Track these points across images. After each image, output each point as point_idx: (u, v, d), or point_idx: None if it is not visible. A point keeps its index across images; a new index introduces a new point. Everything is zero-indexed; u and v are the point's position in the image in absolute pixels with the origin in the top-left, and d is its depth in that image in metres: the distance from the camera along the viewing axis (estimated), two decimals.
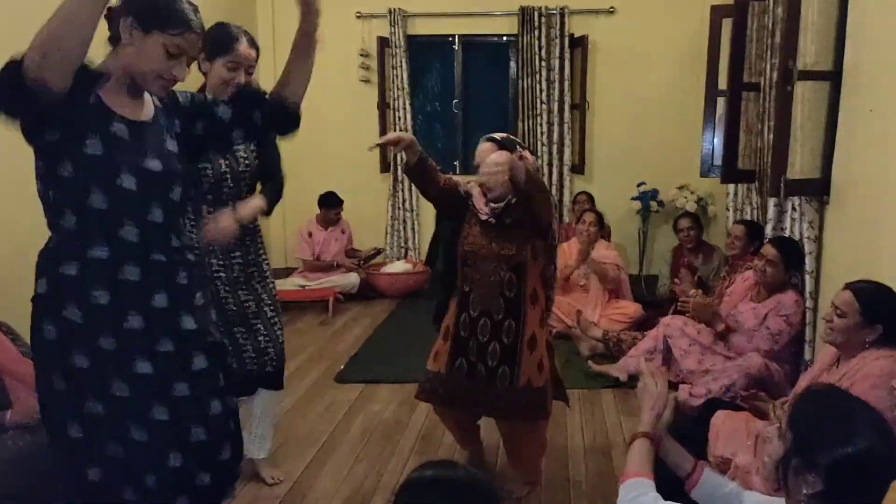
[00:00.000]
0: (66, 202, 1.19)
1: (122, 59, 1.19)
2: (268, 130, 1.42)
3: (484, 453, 2.18)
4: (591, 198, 4.22)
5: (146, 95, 1.26)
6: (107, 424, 1.24)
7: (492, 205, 1.84)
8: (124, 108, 1.21)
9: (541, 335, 1.88)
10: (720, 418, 1.85)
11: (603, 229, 3.74)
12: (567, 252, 3.69)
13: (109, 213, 1.19)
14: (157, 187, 1.24)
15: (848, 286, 1.62)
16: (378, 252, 4.51)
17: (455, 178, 1.96)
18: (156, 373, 1.26)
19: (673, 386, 2.61)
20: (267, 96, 1.37)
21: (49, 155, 1.17)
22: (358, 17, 4.52)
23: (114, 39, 1.20)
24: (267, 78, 5.62)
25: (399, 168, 4.61)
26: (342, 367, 3.08)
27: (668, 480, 1.17)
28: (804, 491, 0.94)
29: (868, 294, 1.58)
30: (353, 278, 4.20)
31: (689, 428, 1.83)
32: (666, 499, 1.07)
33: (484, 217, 1.85)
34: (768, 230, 2.73)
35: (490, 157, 1.76)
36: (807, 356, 2.37)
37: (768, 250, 2.44)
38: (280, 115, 1.36)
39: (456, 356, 1.87)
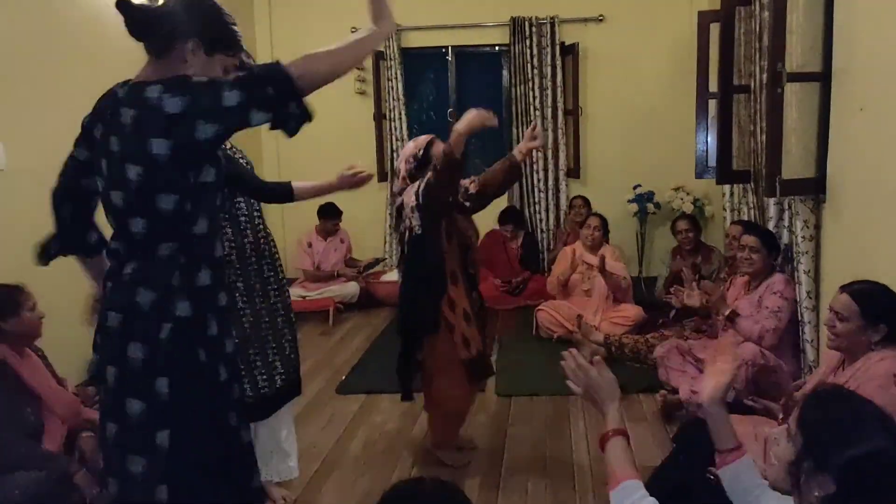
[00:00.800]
0: (202, 208, 1.16)
1: (176, 73, 1.15)
2: None
3: None
4: (586, 201, 4.24)
5: None
6: (236, 434, 1.27)
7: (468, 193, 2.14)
8: None
9: None
10: None
11: (608, 233, 3.75)
12: (570, 255, 3.69)
13: (219, 210, 1.25)
14: None
15: (843, 289, 1.61)
16: (378, 261, 4.52)
17: None
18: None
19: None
20: None
21: (198, 164, 1.14)
22: (353, 31, 4.54)
23: (159, 50, 1.16)
24: None
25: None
26: (343, 377, 3.08)
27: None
28: (816, 493, 0.93)
29: (866, 295, 1.57)
30: (352, 288, 4.21)
31: (697, 433, 1.82)
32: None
33: (468, 205, 2.15)
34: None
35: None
36: (809, 357, 2.36)
37: (747, 240, 2.53)
38: None
39: (481, 330, 2.13)
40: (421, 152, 2.08)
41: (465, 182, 2.15)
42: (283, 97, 1.09)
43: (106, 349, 1.17)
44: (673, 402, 2.52)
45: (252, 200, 1.82)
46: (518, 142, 4.57)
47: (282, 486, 2.02)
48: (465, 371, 2.05)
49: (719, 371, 1.22)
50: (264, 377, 1.81)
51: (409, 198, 2.03)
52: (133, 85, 1.15)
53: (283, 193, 1.90)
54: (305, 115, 1.14)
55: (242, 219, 1.77)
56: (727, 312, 2.49)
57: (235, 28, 1.23)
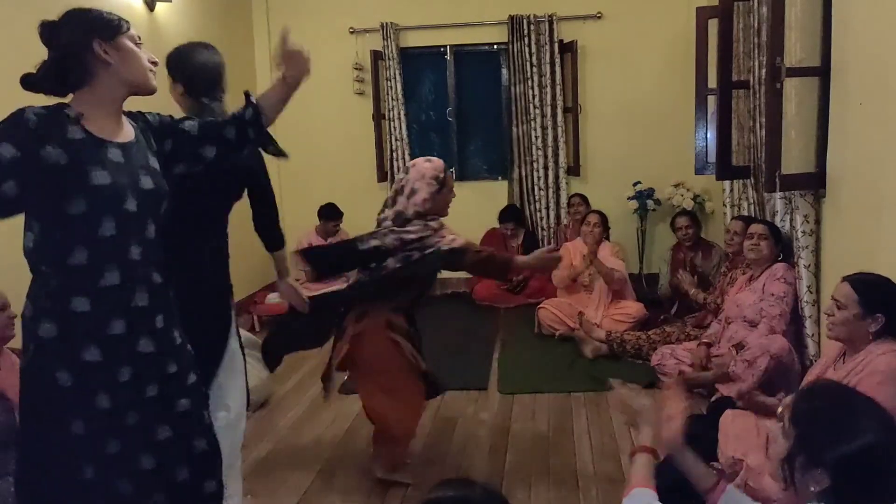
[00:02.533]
0: (75, 239, 1.18)
1: (98, 79, 1.22)
2: (243, 146, 1.43)
3: None
4: (584, 199, 4.24)
5: (123, 119, 1.29)
6: (121, 461, 1.23)
7: None
8: (111, 134, 1.24)
9: None
10: (729, 418, 1.84)
11: (608, 230, 3.75)
12: (572, 252, 3.69)
13: (118, 238, 1.21)
14: (153, 205, 1.27)
15: (845, 278, 1.62)
16: None
17: None
18: (160, 395, 1.27)
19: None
20: (241, 115, 1.40)
21: (55, 195, 1.16)
22: (351, 32, 4.57)
23: (88, 80, 1.21)
24: (263, 83, 5.60)
25: (396, 177, 4.64)
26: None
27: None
28: (812, 488, 0.94)
29: (866, 284, 1.58)
30: None
31: (698, 429, 1.82)
32: None
33: None
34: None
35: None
36: (810, 351, 2.36)
37: (757, 228, 2.59)
38: (253, 128, 1.40)
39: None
40: (442, 175, 2.02)
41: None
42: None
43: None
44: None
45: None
46: (518, 141, 4.60)
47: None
48: (423, 384, 2.06)
49: (669, 419, 1.24)
50: None
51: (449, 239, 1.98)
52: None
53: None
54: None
55: None
56: (734, 344, 2.50)
57: (106, 11, 1.25)
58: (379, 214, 2.11)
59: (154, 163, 1.30)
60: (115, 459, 1.23)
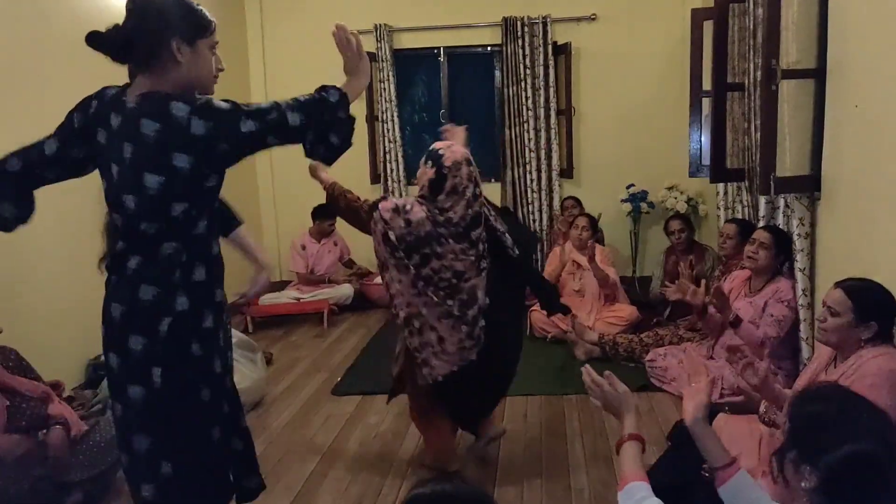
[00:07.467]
0: (203, 210, 1.27)
1: (171, 74, 1.22)
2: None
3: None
4: (578, 202, 4.24)
5: None
6: (230, 420, 1.40)
7: None
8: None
9: None
10: (721, 421, 1.83)
11: (597, 233, 3.74)
12: (559, 254, 3.68)
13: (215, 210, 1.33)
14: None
15: (838, 284, 1.61)
16: (368, 272, 4.47)
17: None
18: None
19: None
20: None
21: (205, 174, 1.23)
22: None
23: (147, 62, 1.22)
24: (257, 81, 5.55)
25: (389, 178, 4.61)
26: (339, 379, 3.06)
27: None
28: (802, 484, 0.94)
29: (860, 291, 1.56)
30: (346, 290, 4.19)
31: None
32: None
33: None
34: None
35: None
36: (805, 354, 2.36)
37: (761, 234, 2.50)
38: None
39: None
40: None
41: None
42: (306, 129, 1.24)
43: (108, 338, 1.28)
44: None
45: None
46: (511, 143, 4.58)
47: None
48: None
49: (696, 391, 1.23)
50: None
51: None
52: (150, 95, 1.21)
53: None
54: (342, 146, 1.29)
55: None
56: (731, 318, 2.47)
57: (201, 7, 1.27)
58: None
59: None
60: (228, 419, 1.37)
